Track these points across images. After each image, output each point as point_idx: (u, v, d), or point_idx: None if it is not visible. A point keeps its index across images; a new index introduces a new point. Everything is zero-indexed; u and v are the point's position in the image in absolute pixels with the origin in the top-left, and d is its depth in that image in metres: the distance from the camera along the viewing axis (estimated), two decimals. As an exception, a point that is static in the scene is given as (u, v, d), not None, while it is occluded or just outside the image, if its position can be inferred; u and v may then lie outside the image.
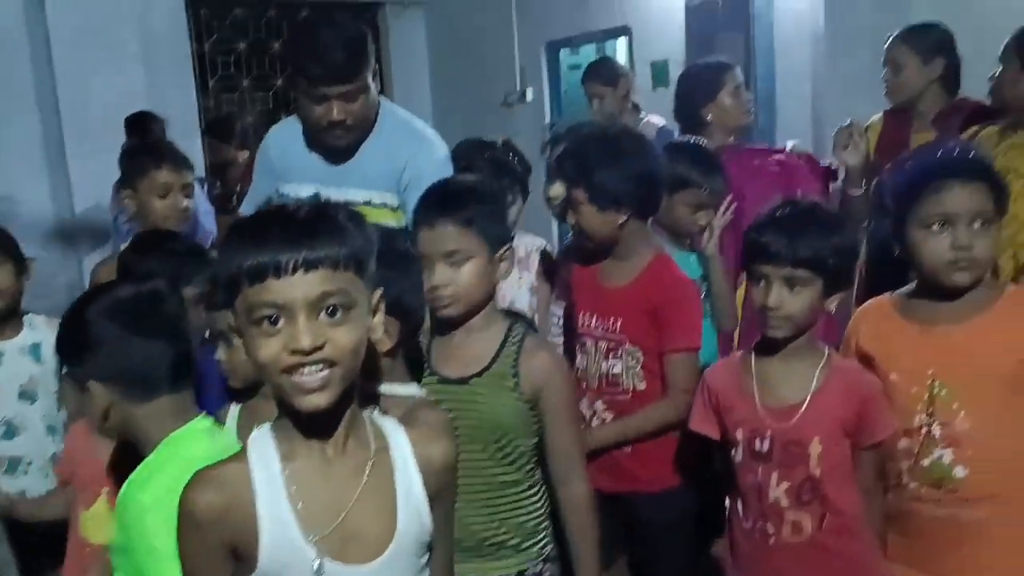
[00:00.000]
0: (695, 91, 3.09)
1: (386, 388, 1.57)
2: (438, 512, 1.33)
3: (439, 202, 1.75)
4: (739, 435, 1.81)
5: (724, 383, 1.86)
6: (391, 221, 2.33)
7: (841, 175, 2.84)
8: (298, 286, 1.14)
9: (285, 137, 2.49)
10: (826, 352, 1.80)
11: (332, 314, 1.17)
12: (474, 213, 1.71)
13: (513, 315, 1.90)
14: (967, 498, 1.72)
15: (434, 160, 2.36)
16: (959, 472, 1.72)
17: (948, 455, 1.73)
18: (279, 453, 1.24)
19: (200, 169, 6.41)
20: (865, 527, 1.78)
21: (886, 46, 3.07)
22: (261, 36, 7.09)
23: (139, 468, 1.51)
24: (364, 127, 2.35)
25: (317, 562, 1.21)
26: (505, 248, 1.77)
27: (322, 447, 1.24)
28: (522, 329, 1.81)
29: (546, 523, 1.83)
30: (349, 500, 1.24)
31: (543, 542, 1.82)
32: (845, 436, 1.75)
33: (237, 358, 1.66)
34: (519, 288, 2.57)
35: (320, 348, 1.15)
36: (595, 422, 2.20)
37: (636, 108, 4.53)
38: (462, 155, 2.53)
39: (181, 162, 2.65)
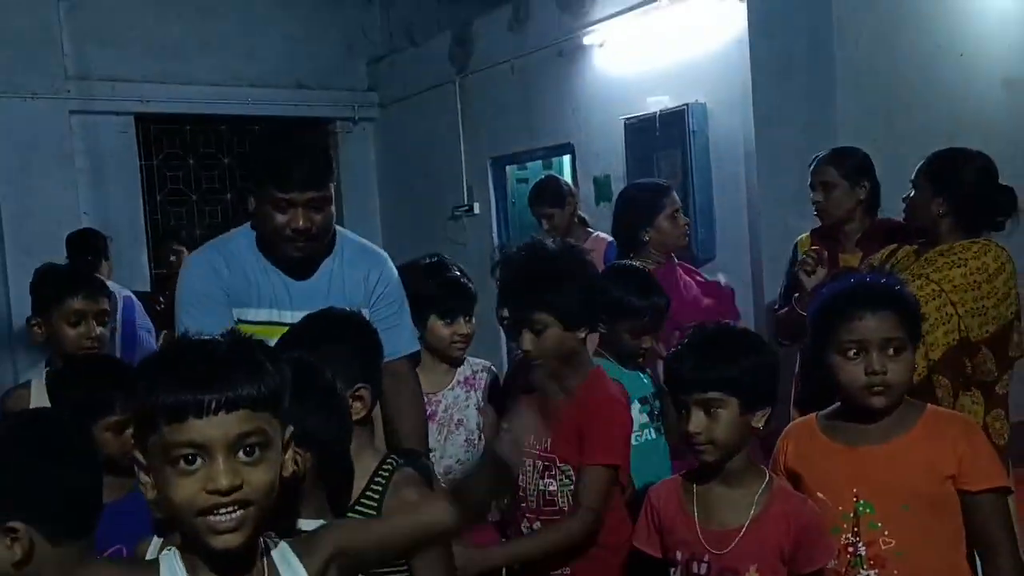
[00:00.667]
0: (633, 213, 3.18)
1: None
2: None
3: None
4: (678, 556, 1.81)
5: (666, 503, 1.87)
6: None
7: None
8: (218, 426, 1.14)
9: (231, 261, 2.35)
10: (767, 477, 1.81)
11: (249, 453, 1.16)
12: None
13: (405, 451, 1.92)
14: None
15: (396, 277, 2.46)
16: None
17: (873, 575, 1.74)
18: None
19: (146, 284, 6.40)
20: None
21: (813, 168, 3.17)
22: (211, 151, 7.19)
23: None
24: (323, 242, 2.34)
25: None
26: (357, 388, 1.80)
27: None
28: (393, 465, 1.81)
29: None
30: None
31: None
32: (782, 563, 1.75)
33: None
34: (467, 407, 2.57)
35: (238, 488, 1.14)
36: None
37: (584, 223, 4.63)
38: (410, 278, 2.53)
39: (96, 289, 2.58)
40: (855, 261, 2.97)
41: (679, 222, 3.14)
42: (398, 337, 2.36)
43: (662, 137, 5.11)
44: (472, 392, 2.60)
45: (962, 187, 2.51)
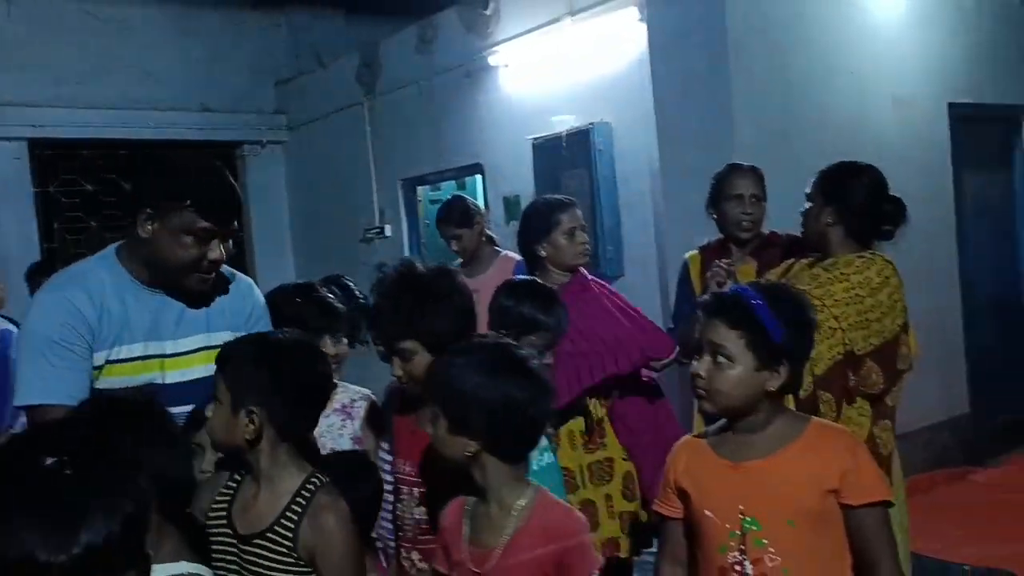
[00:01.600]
0: (531, 228, 3.15)
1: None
2: None
3: None
4: None
5: (450, 521, 1.85)
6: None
7: None
8: None
9: (95, 297, 2.11)
10: (530, 488, 1.78)
11: None
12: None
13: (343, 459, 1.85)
14: None
15: (263, 302, 2.39)
16: None
17: None
18: None
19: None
20: None
21: (738, 182, 3.12)
22: (112, 177, 6.97)
23: None
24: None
25: None
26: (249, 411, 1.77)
27: None
28: (316, 485, 1.77)
29: None
30: None
31: None
32: None
33: None
34: (340, 436, 2.48)
35: None
36: (413, 573, 2.12)
37: (492, 242, 4.61)
38: (276, 299, 2.48)
39: None
40: (750, 272, 3.01)
41: (577, 239, 3.10)
42: None
43: (568, 156, 5.15)
44: (348, 421, 2.50)
45: (851, 198, 2.56)
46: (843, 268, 2.50)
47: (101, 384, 2.06)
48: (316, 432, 2.43)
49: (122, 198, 7.04)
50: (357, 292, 2.93)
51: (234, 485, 1.84)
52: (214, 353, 2.16)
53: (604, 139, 5.07)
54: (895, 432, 2.60)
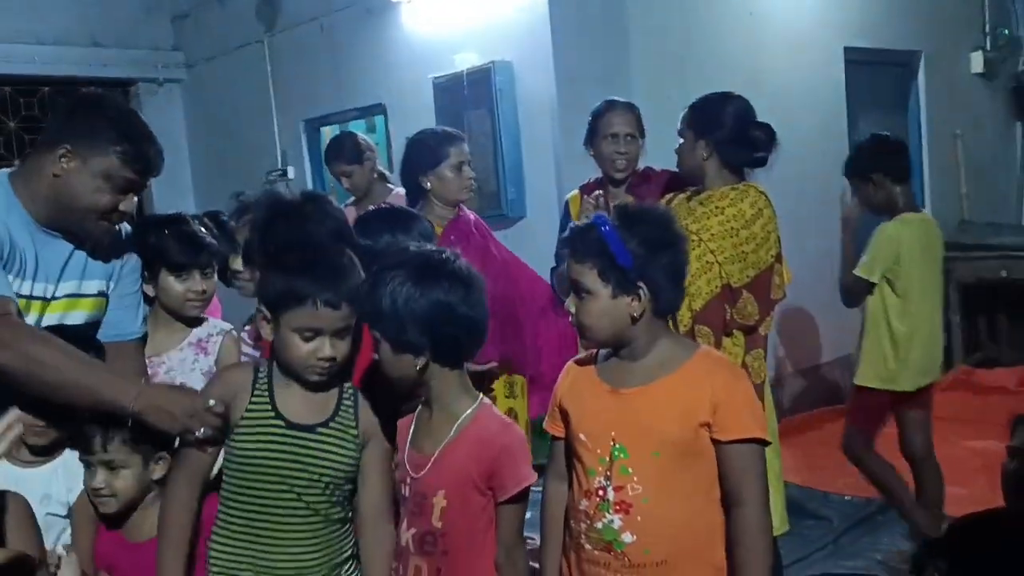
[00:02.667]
0: (417, 159, 3.08)
1: None
2: None
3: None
4: (396, 478, 1.88)
5: (403, 425, 1.89)
6: (99, 312, 2.17)
7: None
8: None
9: None
10: (477, 402, 1.81)
11: None
12: None
13: None
14: (635, 564, 1.71)
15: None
16: (627, 538, 1.71)
17: (618, 520, 1.71)
18: None
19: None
20: None
21: (612, 119, 3.12)
22: (32, 114, 6.63)
23: None
24: None
25: None
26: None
27: None
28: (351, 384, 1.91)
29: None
30: None
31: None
32: (476, 490, 1.75)
33: None
34: (192, 371, 2.40)
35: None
36: None
37: (384, 178, 4.52)
38: (142, 231, 2.38)
39: None
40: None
41: (464, 175, 3.06)
42: (135, 317, 2.23)
43: (470, 96, 5.07)
44: (201, 356, 2.44)
45: (721, 128, 2.56)
46: (717, 201, 2.52)
47: None
48: (165, 367, 2.37)
49: (7, 138, 6.71)
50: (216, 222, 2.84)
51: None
52: (85, 300, 2.12)
53: (505, 79, 5.01)
54: (779, 368, 2.66)
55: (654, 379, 1.74)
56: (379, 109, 5.94)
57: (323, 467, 1.81)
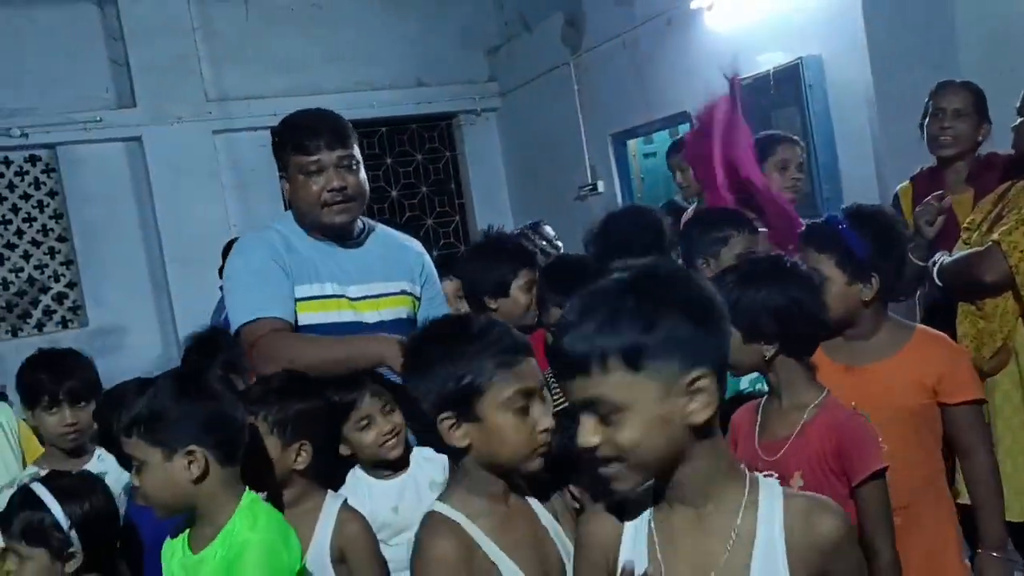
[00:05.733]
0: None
1: None
2: None
3: None
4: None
5: (740, 424, 2.01)
6: (409, 307, 2.43)
7: None
8: None
9: (283, 240, 2.35)
10: (823, 393, 1.91)
11: None
12: None
13: None
14: None
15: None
16: None
17: None
18: None
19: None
20: None
21: (940, 94, 2.97)
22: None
23: None
24: (361, 205, 2.37)
25: None
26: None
27: None
28: None
29: None
30: None
31: None
32: (829, 472, 1.83)
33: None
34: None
35: None
36: None
37: None
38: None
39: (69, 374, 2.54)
40: (967, 201, 2.81)
41: (787, 174, 3.14)
42: (440, 311, 2.45)
43: (777, 95, 4.95)
44: None
45: None
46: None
47: (301, 320, 2.28)
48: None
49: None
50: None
51: None
52: (395, 299, 2.38)
53: (814, 73, 4.83)
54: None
55: (885, 356, 2.02)
56: (684, 117, 5.97)
57: None
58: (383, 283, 2.38)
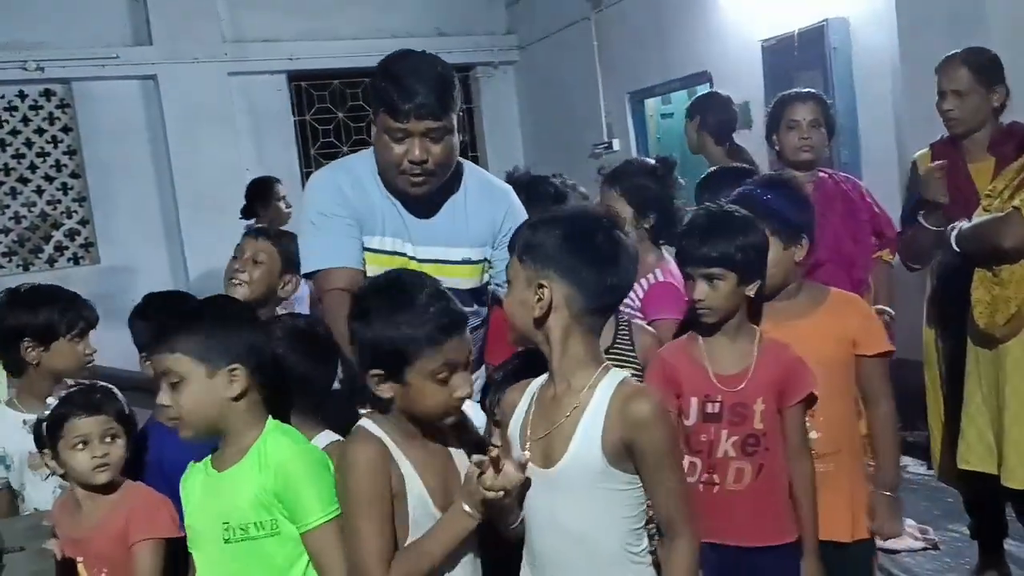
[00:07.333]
0: (768, 122, 3.28)
1: None
2: None
3: None
4: (692, 401, 2.07)
5: (678, 358, 2.11)
6: (471, 277, 2.32)
7: None
8: None
9: (356, 184, 2.26)
10: (758, 331, 2.10)
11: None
12: None
13: None
14: (820, 454, 2.10)
15: (522, 209, 2.39)
16: (813, 434, 2.11)
17: (807, 422, 2.09)
18: None
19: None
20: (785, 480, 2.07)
21: (941, 73, 2.97)
22: (358, 104, 7.45)
23: None
24: (442, 177, 2.23)
25: None
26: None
27: None
28: None
29: None
30: None
31: None
32: (780, 396, 2.04)
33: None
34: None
35: None
36: None
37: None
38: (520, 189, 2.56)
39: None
40: (987, 170, 2.79)
41: (794, 134, 3.13)
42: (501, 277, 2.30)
43: (800, 57, 4.90)
44: None
45: None
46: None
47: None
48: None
49: (368, 125, 7.52)
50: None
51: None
52: (454, 268, 2.27)
53: (840, 36, 4.77)
54: None
55: (807, 315, 2.17)
56: (704, 77, 5.91)
57: None
58: (444, 248, 2.28)
